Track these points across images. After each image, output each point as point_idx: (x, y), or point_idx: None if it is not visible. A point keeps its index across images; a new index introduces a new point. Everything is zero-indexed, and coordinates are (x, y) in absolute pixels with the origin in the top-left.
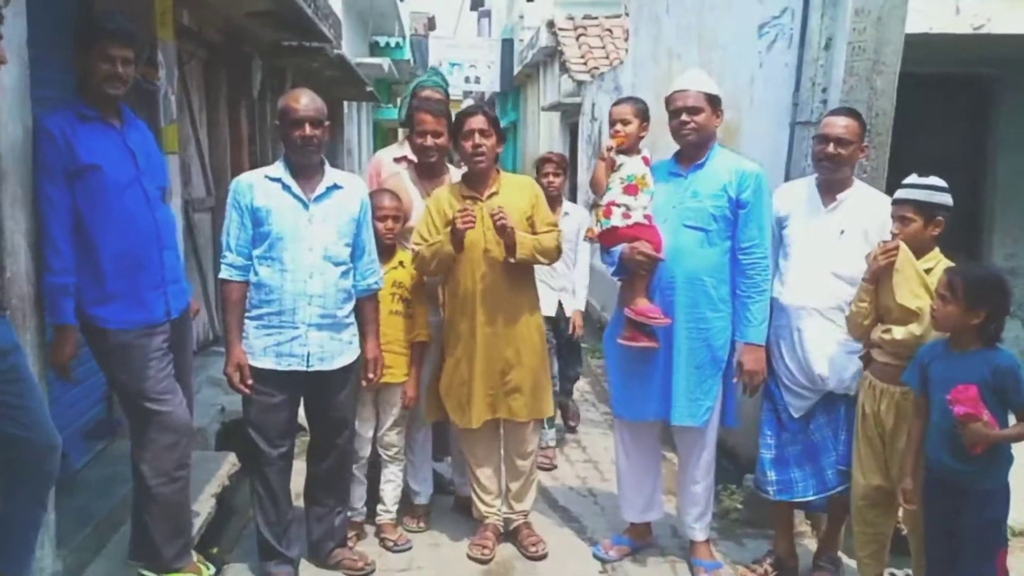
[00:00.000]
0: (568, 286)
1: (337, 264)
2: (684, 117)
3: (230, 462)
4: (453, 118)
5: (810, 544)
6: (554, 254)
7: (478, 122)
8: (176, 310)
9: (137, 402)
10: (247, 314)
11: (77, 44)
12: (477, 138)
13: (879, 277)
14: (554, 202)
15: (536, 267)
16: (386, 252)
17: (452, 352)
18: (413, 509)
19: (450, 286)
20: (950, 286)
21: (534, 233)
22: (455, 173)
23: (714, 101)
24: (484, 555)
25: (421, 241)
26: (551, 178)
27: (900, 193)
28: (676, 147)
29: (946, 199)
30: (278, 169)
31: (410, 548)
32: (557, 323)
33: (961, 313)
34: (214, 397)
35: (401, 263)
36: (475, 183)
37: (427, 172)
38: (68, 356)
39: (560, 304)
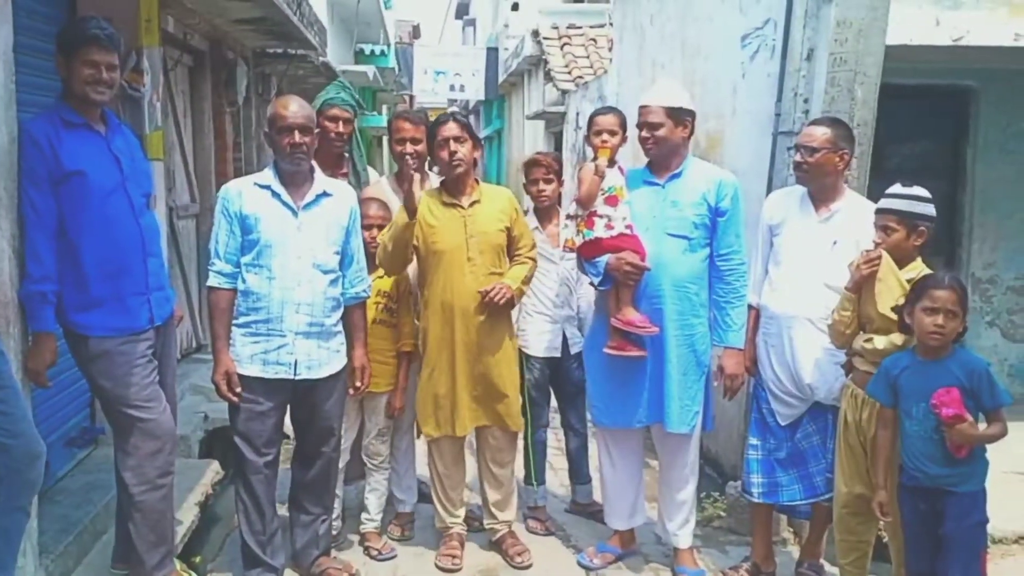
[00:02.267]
0: (572, 313)
1: (325, 272)
2: (644, 133)
3: (213, 470)
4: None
5: (794, 552)
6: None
7: (451, 130)
8: (160, 317)
9: (120, 409)
10: (234, 321)
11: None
12: (452, 145)
13: (861, 286)
14: (549, 213)
15: (532, 298)
16: (372, 260)
17: (429, 362)
18: (398, 518)
19: (429, 294)
20: (960, 302)
21: (511, 247)
22: (435, 181)
23: (677, 113)
24: (454, 564)
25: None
26: (541, 185)
27: (883, 203)
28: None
29: (929, 210)
30: (267, 176)
31: (395, 557)
32: (561, 364)
33: (961, 323)
34: (197, 405)
35: None
36: (455, 190)
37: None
38: (45, 363)
39: (565, 338)
